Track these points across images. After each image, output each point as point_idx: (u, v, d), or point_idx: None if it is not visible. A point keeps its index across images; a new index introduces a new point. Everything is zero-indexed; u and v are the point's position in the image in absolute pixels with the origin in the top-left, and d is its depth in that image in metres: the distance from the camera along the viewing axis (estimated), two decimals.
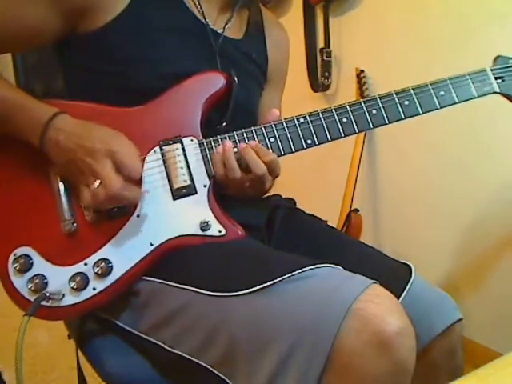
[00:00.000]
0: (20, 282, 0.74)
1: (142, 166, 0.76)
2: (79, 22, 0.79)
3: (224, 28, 0.90)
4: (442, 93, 0.84)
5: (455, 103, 0.84)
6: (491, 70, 0.87)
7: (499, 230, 1.51)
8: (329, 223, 1.00)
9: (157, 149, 0.78)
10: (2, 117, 0.75)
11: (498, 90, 0.86)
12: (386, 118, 0.82)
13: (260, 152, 0.77)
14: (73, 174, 0.74)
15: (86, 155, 0.71)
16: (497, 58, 0.89)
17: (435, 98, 0.83)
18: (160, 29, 0.83)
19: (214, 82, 0.82)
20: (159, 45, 0.82)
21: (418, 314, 0.78)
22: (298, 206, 1.03)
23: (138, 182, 0.75)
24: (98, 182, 0.70)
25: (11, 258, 0.74)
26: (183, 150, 0.79)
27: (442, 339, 0.80)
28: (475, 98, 0.85)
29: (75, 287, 0.73)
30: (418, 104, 0.83)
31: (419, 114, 0.83)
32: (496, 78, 0.86)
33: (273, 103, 1.05)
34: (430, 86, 0.84)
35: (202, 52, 0.87)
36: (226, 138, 0.80)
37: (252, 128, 0.80)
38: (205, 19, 0.88)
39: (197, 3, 0.88)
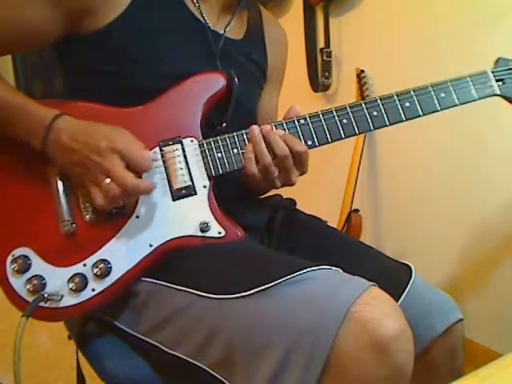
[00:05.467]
0: (18, 283, 0.73)
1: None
2: (80, 22, 0.79)
3: (225, 29, 0.90)
4: (443, 95, 0.83)
5: (456, 105, 0.84)
6: (492, 72, 0.86)
7: (500, 231, 1.51)
8: (329, 223, 1.00)
9: (156, 149, 0.78)
10: (2, 119, 0.74)
11: (498, 92, 0.86)
12: (386, 120, 0.82)
13: (288, 141, 0.78)
14: (78, 175, 0.74)
15: (93, 153, 0.71)
16: (498, 59, 0.88)
17: (436, 100, 0.83)
18: (161, 29, 0.83)
19: (214, 82, 0.82)
20: (160, 45, 0.82)
21: (419, 315, 0.78)
22: (298, 206, 1.03)
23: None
24: (108, 179, 0.70)
25: (9, 258, 0.74)
26: (183, 150, 0.78)
27: (442, 339, 0.80)
28: (476, 100, 0.85)
29: (74, 288, 0.73)
30: (418, 106, 0.82)
31: (420, 115, 0.83)
32: (497, 81, 0.86)
33: (271, 102, 1.06)
34: (430, 88, 0.83)
35: (203, 53, 0.87)
36: (226, 138, 0.80)
37: None
38: (205, 20, 0.88)
39: (197, 4, 0.88)
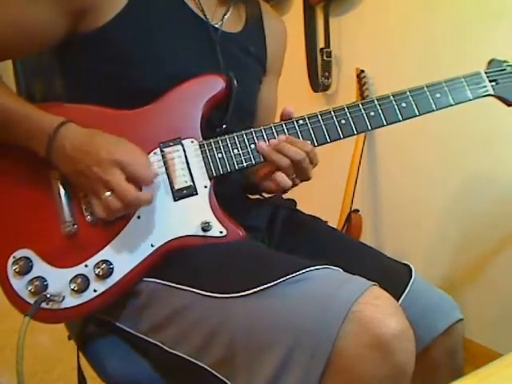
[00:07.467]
0: (19, 285, 0.73)
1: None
2: (79, 23, 0.79)
3: (222, 21, 0.90)
4: (438, 95, 0.84)
5: (451, 105, 0.85)
6: (485, 73, 0.88)
7: (500, 231, 1.51)
8: (329, 224, 1.00)
9: (157, 150, 0.78)
10: (6, 127, 0.74)
11: (492, 92, 0.88)
12: (383, 120, 0.83)
13: (297, 144, 0.79)
14: (81, 184, 0.74)
15: (93, 165, 0.70)
16: (491, 60, 0.90)
17: (431, 100, 0.84)
18: (159, 26, 0.83)
19: (213, 84, 0.82)
20: (158, 43, 0.82)
21: (419, 314, 0.78)
22: (298, 206, 1.03)
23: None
24: (108, 193, 0.70)
25: (11, 260, 0.74)
26: (184, 151, 0.79)
27: (442, 339, 0.80)
28: (470, 100, 0.86)
29: (76, 289, 0.73)
30: (414, 106, 0.84)
31: (416, 115, 0.84)
32: (490, 81, 0.87)
33: (270, 93, 1.06)
34: (426, 89, 0.84)
35: (203, 48, 0.87)
36: (226, 139, 0.80)
37: (252, 129, 0.81)
38: (204, 15, 0.88)
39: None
